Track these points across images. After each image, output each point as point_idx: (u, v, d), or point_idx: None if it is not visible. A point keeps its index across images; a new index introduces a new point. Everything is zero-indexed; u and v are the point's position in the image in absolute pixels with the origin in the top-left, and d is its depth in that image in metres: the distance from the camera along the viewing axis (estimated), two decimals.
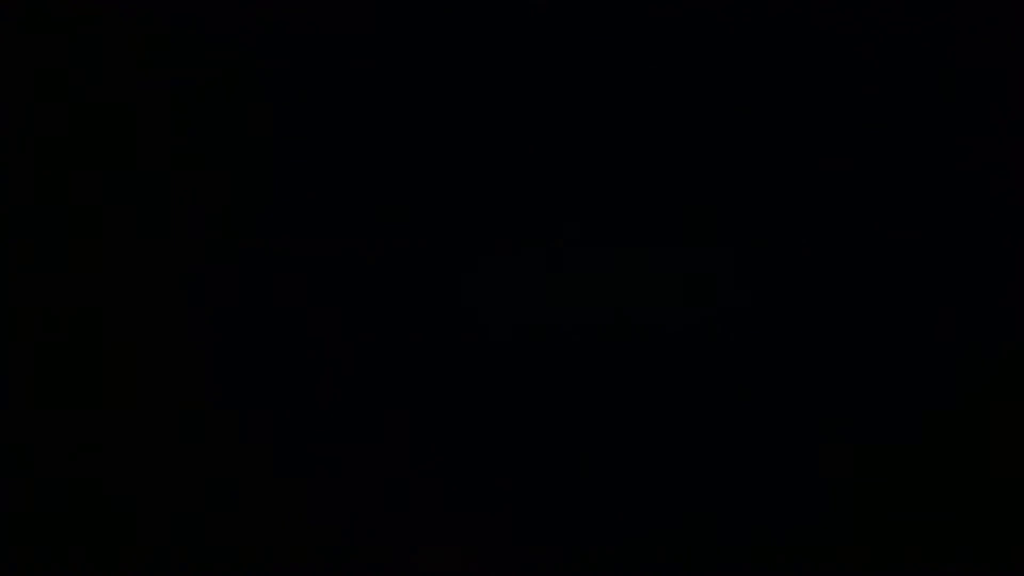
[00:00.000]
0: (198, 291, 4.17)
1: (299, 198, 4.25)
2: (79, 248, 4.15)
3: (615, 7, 4.32)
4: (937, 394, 4.19)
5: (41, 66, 4.16)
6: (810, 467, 4.18)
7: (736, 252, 4.28)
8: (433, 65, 4.30)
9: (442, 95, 4.30)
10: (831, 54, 4.29)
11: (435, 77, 4.30)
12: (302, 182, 4.26)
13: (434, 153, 4.29)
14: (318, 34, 4.26)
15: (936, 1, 4.27)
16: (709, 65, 4.31)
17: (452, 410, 4.19)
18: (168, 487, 4.09)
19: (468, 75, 4.30)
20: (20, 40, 4.14)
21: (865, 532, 4.12)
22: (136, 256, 4.18)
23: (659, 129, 4.31)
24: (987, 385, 4.19)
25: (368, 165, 4.28)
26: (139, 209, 4.19)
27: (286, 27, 4.25)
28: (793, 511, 4.14)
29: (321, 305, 4.21)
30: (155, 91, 4.20)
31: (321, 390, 4.17)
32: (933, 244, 4.27)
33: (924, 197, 4.29)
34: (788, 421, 4.20)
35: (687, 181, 4.31)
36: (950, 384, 4.20)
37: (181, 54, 4.20)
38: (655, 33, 4.30)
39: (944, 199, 4.29)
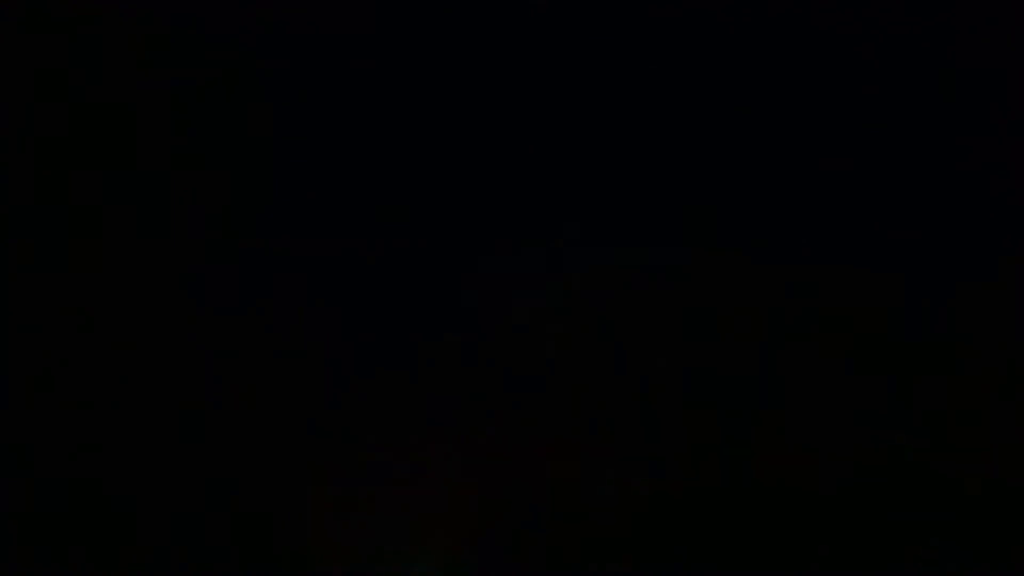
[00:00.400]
0: (198, 291, 4.18)
1: (299, 198, 4.25)
2: (79, 248, 4.15)
3: (615, 7, 4.32)
4: (937, 392, 4.20)
5: (41, 66, 4.16)
6: (810, 466, 4.18)
7: (737, 252, 4.28)
8: (432, 65, 4.30)
9: (441, 95, 4.31)
10: (831, 54, 4.30)
11: (434, 77, 4.30)
12: (302, 182, 4.26)
13: (434, 153, 4.29)
14: (318, 34, 4.26)
15: (936, 1, 4.27)
16: (709, 65, 4.31)
17: (451, 409, 4.19)
18: (168, 487, 4.09)
19: (468, 75, 4.30)
20: (20, 40, 4.14)
21: (865, 532, 4.12)
22: (136, 256, 4.18)
23: (659, 130, 4.32)
24: (987, 385, 4.20)
25: (368, 165, 4.28)
26: (139, 209, 4.20)
27: (286, 27, 4.25)
28: (793, 511, 4.14)
29: (321, 305, 4.21)
30: (155, 91, 4.21)
31: (321, 390, 4.17)
32: (933, 244, 4.27)
33: (924, 197, 4.29)
34: (788, 420, 4.20)
35: (687, 181, 4.31)
36: (950, 381, 4.20)
37: (181, 54, 4.20)
38: (655, 33, 4.31)
39: (944, 199, 4.29)
